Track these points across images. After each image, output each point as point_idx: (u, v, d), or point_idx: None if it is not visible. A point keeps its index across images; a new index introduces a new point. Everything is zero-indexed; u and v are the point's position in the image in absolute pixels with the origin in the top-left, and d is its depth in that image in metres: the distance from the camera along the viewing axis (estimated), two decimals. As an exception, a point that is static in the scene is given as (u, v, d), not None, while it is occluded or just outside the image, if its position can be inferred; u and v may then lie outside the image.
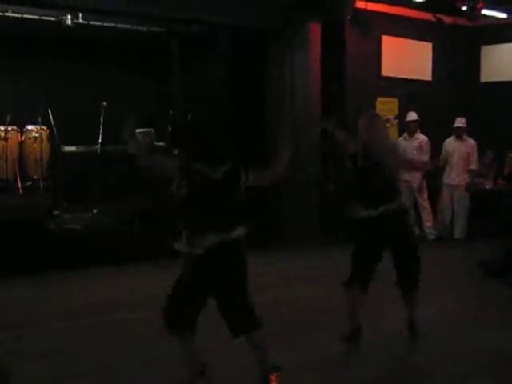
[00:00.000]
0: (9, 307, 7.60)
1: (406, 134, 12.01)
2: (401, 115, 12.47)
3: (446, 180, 12.07)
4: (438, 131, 12.27)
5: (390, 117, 12.46)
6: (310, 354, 6.01)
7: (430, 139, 11.94)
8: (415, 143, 11.77)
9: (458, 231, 12.06)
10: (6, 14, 11.65)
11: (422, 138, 11.90)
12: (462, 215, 12.05)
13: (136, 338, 6.41)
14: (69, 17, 12.10)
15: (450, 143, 12.07)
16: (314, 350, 6.11)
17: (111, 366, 5.73)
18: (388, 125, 11.66)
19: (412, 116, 11.90)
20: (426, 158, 11.44)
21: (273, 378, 4.61)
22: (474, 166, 11.98)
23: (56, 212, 10.93)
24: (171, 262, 6.02)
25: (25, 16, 11.84)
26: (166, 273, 6.62)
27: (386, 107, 12.57)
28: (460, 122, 11.96)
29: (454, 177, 11.99)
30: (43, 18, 12.03)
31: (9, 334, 6.57)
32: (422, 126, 12.01)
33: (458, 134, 11.98)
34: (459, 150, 11.98)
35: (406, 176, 11.55)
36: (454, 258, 10.89)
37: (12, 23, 11.85)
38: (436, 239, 11.96)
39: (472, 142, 12.03)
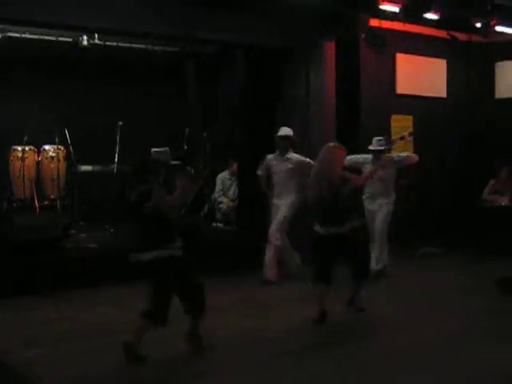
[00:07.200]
0: (25, 326, 7.63)
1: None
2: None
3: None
4: (453, 147, 12.21)
5: (405, 134, 12.43)
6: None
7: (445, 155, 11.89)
8: None
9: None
10: (23, 35, 11.79)
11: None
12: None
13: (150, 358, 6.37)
14: (85, 37, 12.23)
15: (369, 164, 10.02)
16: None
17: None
18: (403, 142, 11.49)
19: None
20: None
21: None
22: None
23: (72, 231, 11.01)
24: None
25: (41, 37, 11.97)
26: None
27: (402, 125, 12.56)
28: (379, 145, 10.17)
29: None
30: (59, 39, 12.16)
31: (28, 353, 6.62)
32: (436, 141, 11.98)
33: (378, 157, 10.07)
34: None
35: None
36: (472, 274, 10.83)
37: (28, 44, 11.98)
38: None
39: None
